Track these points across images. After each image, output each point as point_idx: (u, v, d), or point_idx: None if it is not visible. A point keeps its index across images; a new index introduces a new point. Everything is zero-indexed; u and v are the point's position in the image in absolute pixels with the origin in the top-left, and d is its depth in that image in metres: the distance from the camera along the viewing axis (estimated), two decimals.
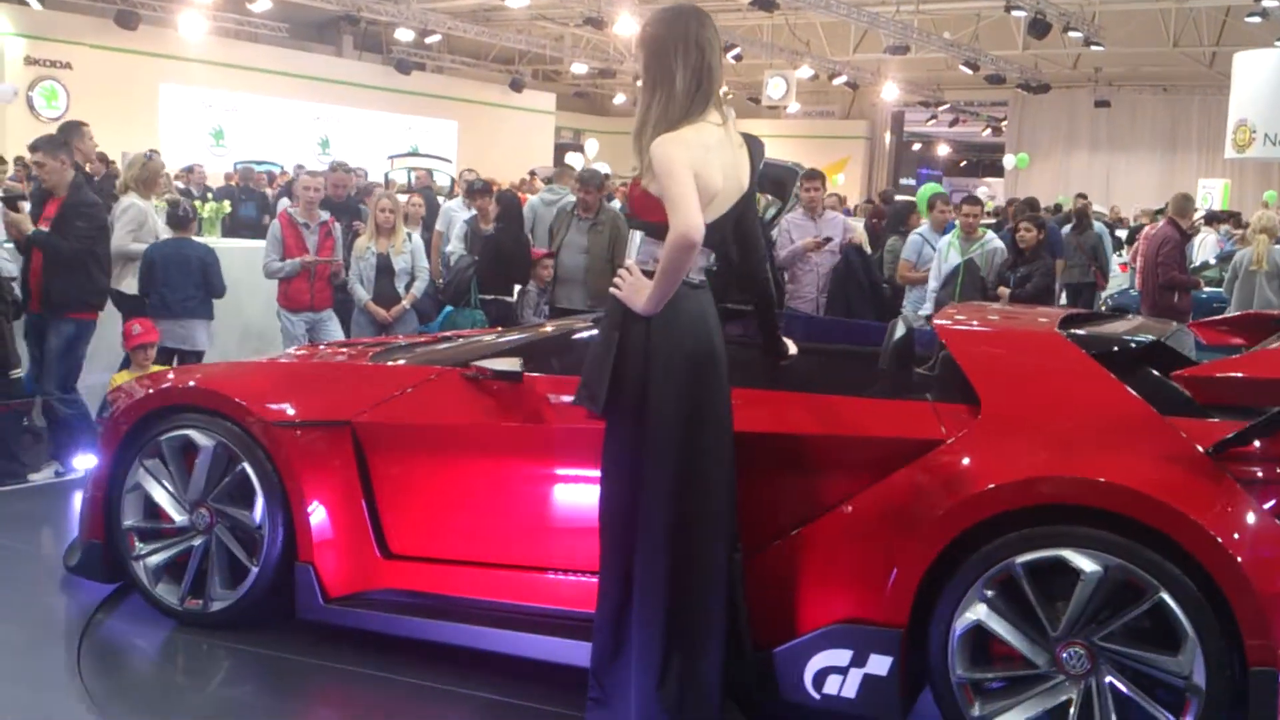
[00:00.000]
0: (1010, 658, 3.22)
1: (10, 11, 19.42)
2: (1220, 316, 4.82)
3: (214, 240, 8.58)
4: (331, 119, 24.32)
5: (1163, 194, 20.04)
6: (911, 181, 32.88)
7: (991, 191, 30.26)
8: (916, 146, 35.22)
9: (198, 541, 4.11)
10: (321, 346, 6.30)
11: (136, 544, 4.20)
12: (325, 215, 7.69)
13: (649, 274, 3.21)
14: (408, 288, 7.83)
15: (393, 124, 25.39)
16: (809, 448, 3.53)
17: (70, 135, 7.27)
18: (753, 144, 3.40)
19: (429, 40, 24.77)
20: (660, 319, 3.21)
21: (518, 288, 8.35)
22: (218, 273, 7.25)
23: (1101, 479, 3.13)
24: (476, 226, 8.64)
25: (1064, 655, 3.12)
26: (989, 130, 32.53)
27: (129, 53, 20.25)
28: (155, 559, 4.18)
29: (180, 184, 13.43)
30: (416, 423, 4.01)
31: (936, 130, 33.05)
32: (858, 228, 8.83)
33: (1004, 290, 7.99)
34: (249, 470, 4.01)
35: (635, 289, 3.22)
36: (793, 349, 3.86)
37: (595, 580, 3.49)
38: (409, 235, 7.99)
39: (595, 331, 4.24)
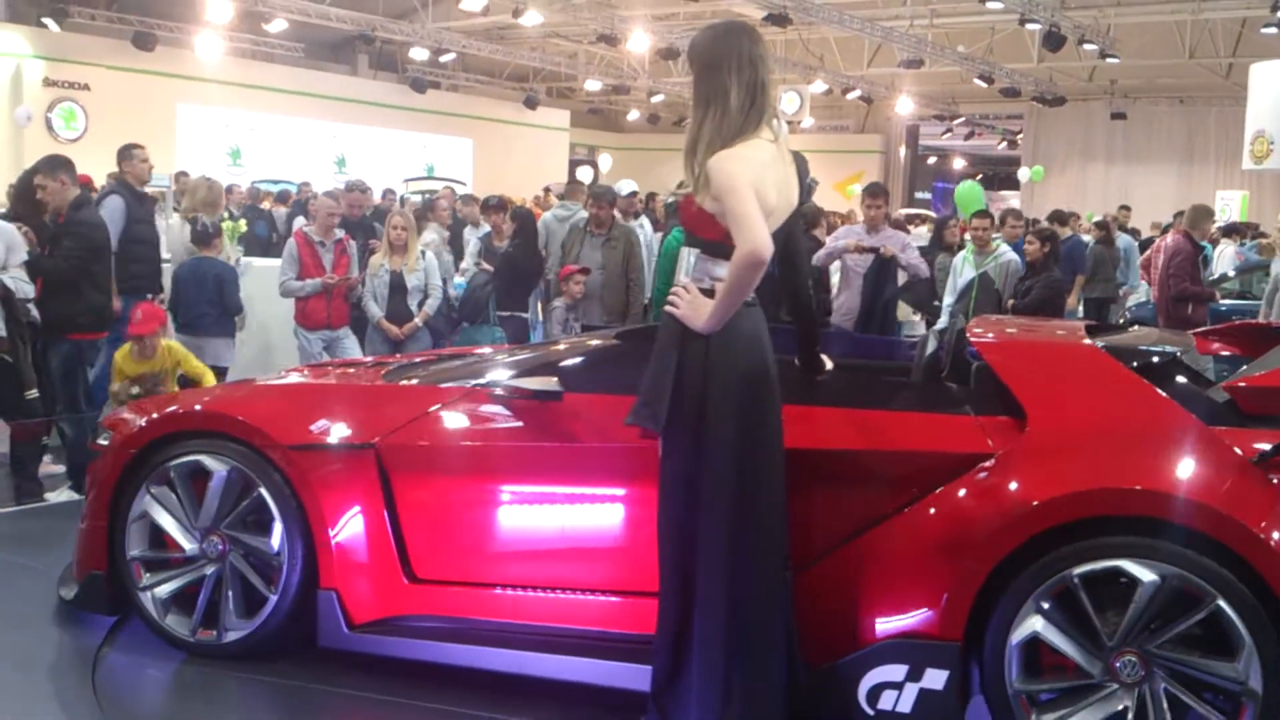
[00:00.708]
0: (1063, 668, 3.24)
1: (29, 34, 19.60)
2: (1215, 327, 4.88)
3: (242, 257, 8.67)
4: (347, 138, 24.43)
5: (1180, 206, 19.94)
6: (927, 195, 32.84)
7: (1008, 204, 30.23)
8: (932, 160, 35.15)
9: (209, 570, 4.00)
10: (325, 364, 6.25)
11: (143, 575, 4.07)
12: (340, 233, 7.73)
13: (705, 292, 3.23)
14: (420, 305, 7.84)
15: (408, 142, 25.50)
16: (854, 463, 3.55)
17: (122, 158, 7.66)
18: (798, 160, 3.42)
19: (443, 59, 24.89)
20: (718, 337, 3.22)
21: (541, 303, 8.36)
22: (234, 290, 7.34)
23: (1158, 490, 3.20)
24: (490, 243, 8.65)
25: (1118, 664, 3.16)
26: (1004, 143, 32.43)
27: (146, 74, 20.40)
28: (163, 589, 4.05)
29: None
30: (445, 444, 3.94)
31: (952, 144, 32.98)
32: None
33: (1011, 303, 7.96)
34: (266, 496, 3.90)
35: (694, 307, 3.23)
36: (828, 364, 3.88)
37: (635, 600, 3.57)
38: (422, 253, 8.01)
39: (612, 346, 4.28)
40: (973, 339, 3.81)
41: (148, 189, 8.06)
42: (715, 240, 3.24)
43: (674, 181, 11.29)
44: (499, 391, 3.91)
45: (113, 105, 19.64)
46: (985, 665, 3.28)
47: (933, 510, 3.37)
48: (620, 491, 3.75)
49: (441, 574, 3.89)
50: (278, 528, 3.89)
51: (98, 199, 7.49)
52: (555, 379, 3.87)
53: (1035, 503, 3.23)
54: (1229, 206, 21.62)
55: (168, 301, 7.37)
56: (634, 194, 8.43)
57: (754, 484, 3.23)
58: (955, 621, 3.26)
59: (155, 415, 4.19)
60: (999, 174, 35.88)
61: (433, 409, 3.98)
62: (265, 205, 15.95)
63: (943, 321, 7.84)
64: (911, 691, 3.31)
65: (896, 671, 3.32)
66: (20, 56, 19.34)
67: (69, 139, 18.75)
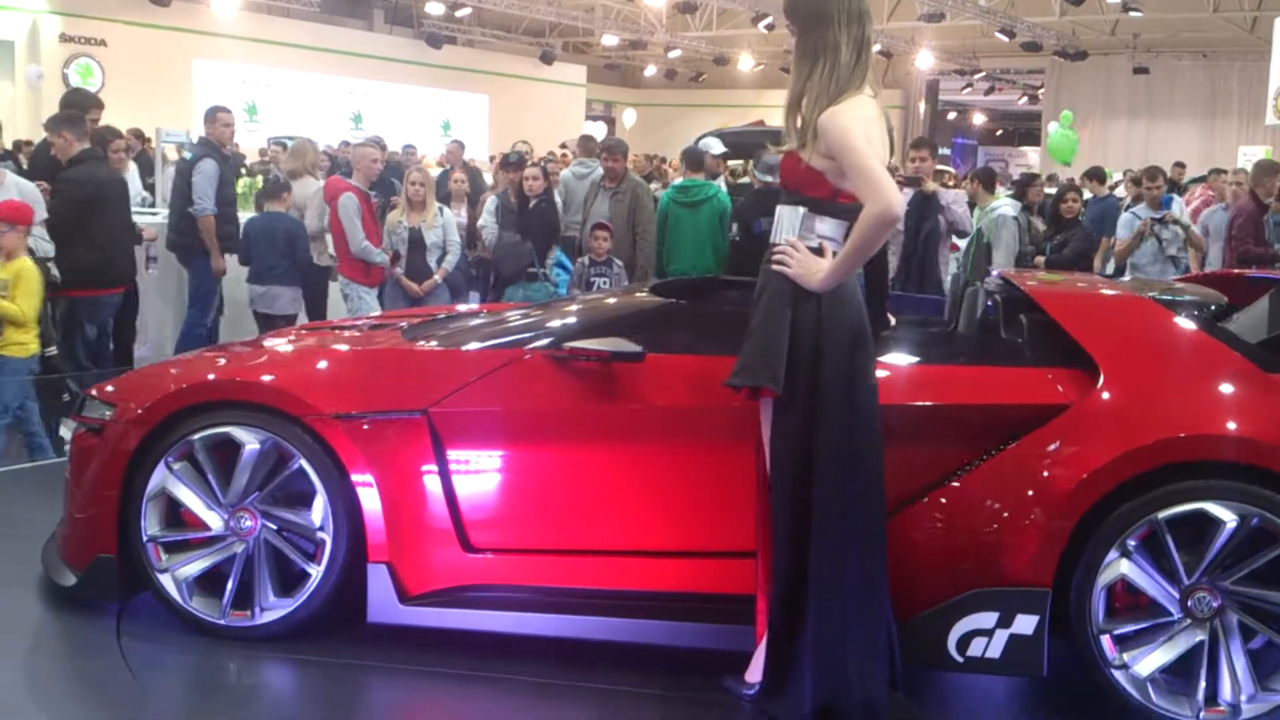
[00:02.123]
0: (1138, 606, 3.43)
1: None
2: (1192, 274, 4.97)
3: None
4: (363, 94, 24.37)
5: (1203, 162, 19.76)
6: (946, 151, 32.57)
7: (1028, 161, 30.00)
8: (952, 115, 34.86)
9: (239, 549, 3.79)
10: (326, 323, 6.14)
11: (162, 556, 3.83)
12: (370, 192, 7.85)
13: (814, 251, 3.24)
14: (439, 262, 7.86)
15: (424, 98, 25.42)
16: (937, 418, 3.59)
17: (207, 120, 7.98)
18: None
19: (459, 14, 24.72)
20: (829, 296, 3.23)
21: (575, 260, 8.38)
22: (304, 244, 7.77)
23: (1236, 435, 3.38)
24: (508, 201, 8.63)
25: (1191, 601, 3.35)
26: (1025, 98, 32.13)
27: (163, 29, 20.36)
28: (187, 571, 3.82)
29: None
30: (509, 409, 3.79)
31: (972, 99, 32.69)
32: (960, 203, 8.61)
33: (1040, 259, 7.96)
34: (307, 467, 3.72)
35: (806, 266, 3.23)
36: (891, 320, 3.88)
37: (708, 560, 3.62)
38: (440, 209, 8.01)
39: (668, 304, 4.17)
40: (1033, 294, 3.89)
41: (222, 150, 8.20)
42: (822, 198, 3.25)
43: (692, 138, 11.22)
44: (566, 354, 3.75)
45: (129, 61, 19.63)
46: (1072, 608, 3.39)
47: (1021, 461, 3.46)
48: (703, 452, 3.69)
49: (502, 542, 3.78)
50: (320, 501, 3.72)
51: (191, 162, 7.78)
52: (618, 340, 3.74)
53: (1124, 451, 3.36)
54: (1251, 163, 21.35)
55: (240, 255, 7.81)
56: (725, 155, 8.35)
57: (863, 444, 3.25)
58: (1046, 567, 3.38)
59: (176, 386, 3.92)
60: (1020, 129, 35.59)
61: (488, 373, 3.82)
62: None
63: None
64: (1001, 638, 3.41)
65: (987, 619, 3.42)
66: (36, 12, 19.31)
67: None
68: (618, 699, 3.57)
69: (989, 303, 4.18)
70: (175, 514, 3.87)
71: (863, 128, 3.17)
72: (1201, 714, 3.36)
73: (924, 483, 3.54)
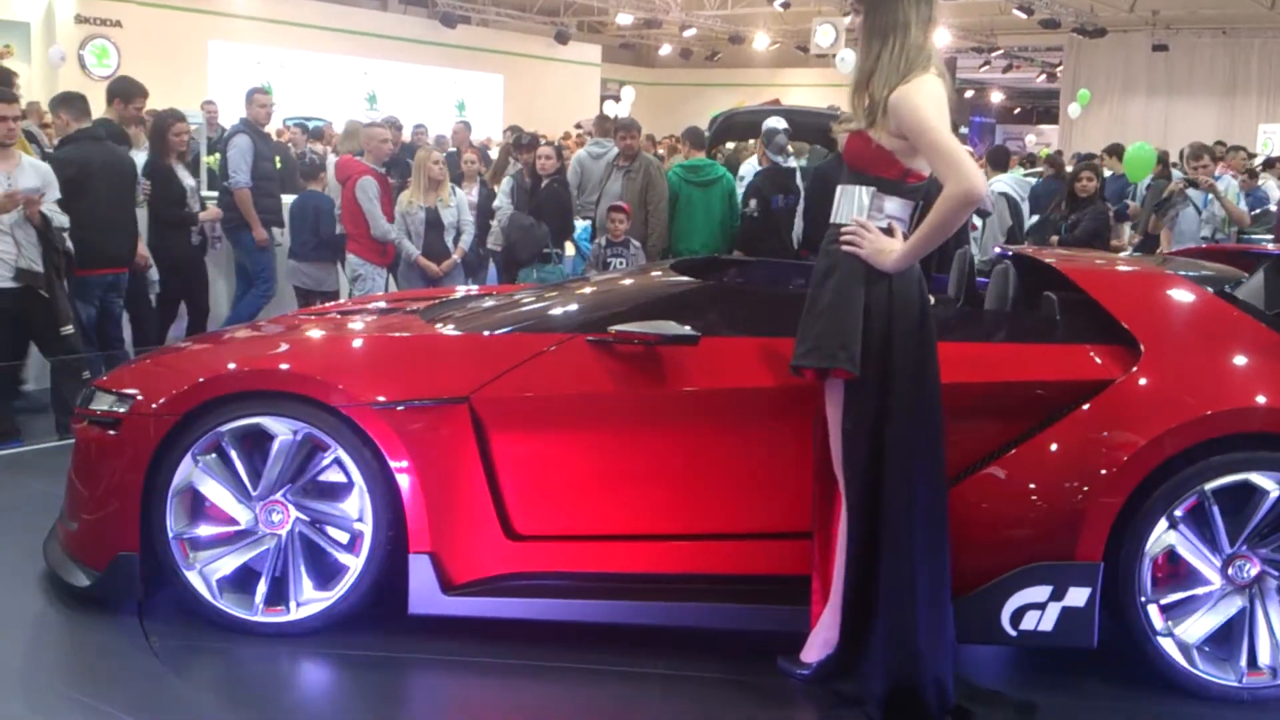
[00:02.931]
0: (1178, 575, 3.56)
1: None
2: (1184, 248, 5.10)
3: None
4: (378, 74, 24.33)
5: (1222, 140, 19.57)
6: (964, 130, 32.37)
7: (1046, 139, 29.81)
8: (969, 93, 34.61)
9: (271, 543, 3.73)
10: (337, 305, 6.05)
11: (190, 553, 3.75)
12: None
13: (883, 231, 3.25)
14: (455, 241, 7.87)
15: (439, 78, 25.38)
16: (987, 395, 3.62)
17: (247, 101, 8.45)
18: None
19: None
20: (899, 276, 3.26)
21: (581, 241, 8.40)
22: (329, 220, 8.00)
23: (1275, 406, 3.47)
24: (522, 181, 8.62)
25: (1231, 570, 3.50)
26: (1044, 76, 31.87)
27: (178, 10, 20.37)
28: (217, 567, 3.74)
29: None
30: (550, 394, 3.72)
31: (990, 77, 32.45)
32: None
33: (1054, 239, 7.92)
34: (344, 457, 3.65)
35: (879, 246, 3.24)
36: (931, 300, 3.92)
37: (763, 542, 3.65)
38: (454, 189, 8.02)
39: (706, 286, 4.16)
40: (1068, 271, 3.94)
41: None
42: (892, 178, 3.27)
43: (706, 117, 11.16)
44: (613, 337, 3.71)
45: (145, 42, 19.62)
46: (1120, 579, 3.48)
47: (1071, 437, 3.53)
48: (754, 434, 3.69)
49: (545, 529, 3.74)
50: (358, 491, 3.66)
51: (225, 137, 8.20)
52: (654, 322, 3.72)
53: (1173, 426, 3.45)
54: (1271, 140, 21.24)
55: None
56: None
57: (930, 424, 3.28)
58: (1097, 541, 3.45)
59: (203, 377, 3.78)
60: (1038, 108, 35.34)
61: (531, 358, 3.76)
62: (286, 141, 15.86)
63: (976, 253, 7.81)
64: (1054, 611, 3.48)
65: (1040, 593, 3.48)
66: None
67: (101, 76, 18.75)
68: (669, 683, 3.59)
69: (1015, 280, 4.22)
70: (199, 509, 3.79)
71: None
72: (1244, 678, 3.50)
73: (976, 460, 3.60)
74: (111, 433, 3.81)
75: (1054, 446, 3.52)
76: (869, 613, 3.30)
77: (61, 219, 6.15)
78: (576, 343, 3.77)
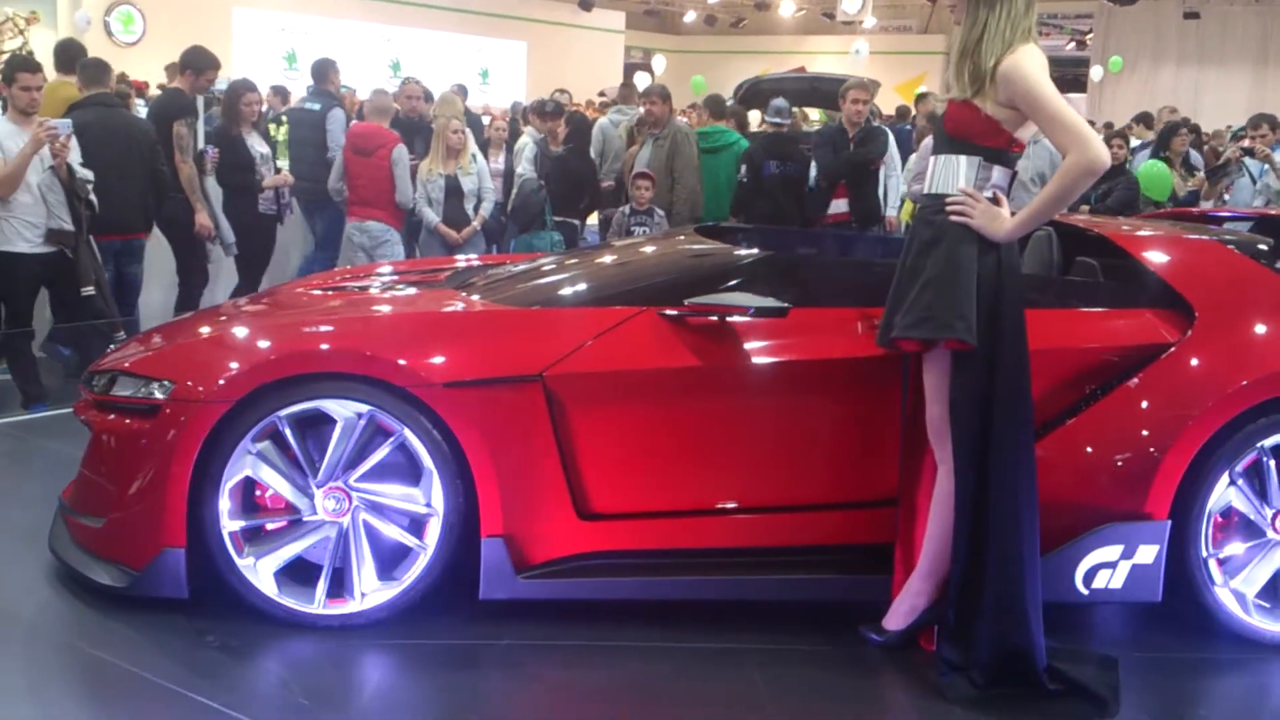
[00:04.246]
0: (1228, 528, 3.73)
1: None
2: (1155, 211, 5.22)
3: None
4: (402, 41, 24.25)
5: (1254, 109, 19.33)
6: None
7: (1075, 108, 29.39)
8: None
9: (332, 532, 3.58)
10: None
11: (244, 546, 3.58)
12: None
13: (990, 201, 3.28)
14: (475, 209, 7.87)
15: (462, 45, 25.27)
16: (1056, 361, 3.67)
17: (327, 69, 8.82)
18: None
19: None
20: (1007, 246, 3.29)
21: (606, 211, 8.39)
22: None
23: None
24: (546, 148, 8.61)
25: (1278, 521, 3.71)
26: (1073, 44, 31.48)
27: None
28: (273, 559, 3.58)
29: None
30: (625, 369, 3.64)
31: None
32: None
33: (1085, 208, 7.86)
34: (412, 439, 3.52)
35: (991, 216, 3.26)
36: None
37: (847, 512, 3.69)
38: (474, 156, 8.02)
39: (769, 257, 4.12)
40: (1117, 238, 4.03)
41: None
42: (998, 147, 3.29)
43: (730, 85, 11.11)
44: (690, 309, 3.65)
45: (170, 9, 19.58)
46: (1184, 536, 3.63)
47: (1139, 400, 3.64)
48: (837, 404, 3.71)
49: (618, 507, 3.68)
50: (429, 474, 3.55)
51: (321, 112, 8.40)
52: (739, 294, 3.70)
53: (1235, 386, 3.60)
54: None
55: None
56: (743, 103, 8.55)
57: (1028, 393, 3.33)
58: (1165, 499, 3.60)
59: (261, 359, 3.58)
60: (1066, 75, 34.91)
61: (604, 332, 3.68)
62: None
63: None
64: (1125, 568, 3.62)
65: (1113, 552, 3.61)
66: None
67: (127, 43, 18.79)
68: (745, 657, 3.58)
69: (1059, 246, 4.31)
70: (249, 499, 3.63)
71: (1047, 78, 3.18)
72: None
73: (1050, 425, 3.64)
74: (145, 422, 3.58)
75: (1123, 409, 3.64)
76: (979, 578, 3.33)
77: (85, 172, 6.18)
78: (648, 316, 3.72)
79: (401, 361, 3.53)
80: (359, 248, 7.79)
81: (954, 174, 3.33)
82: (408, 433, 3.53)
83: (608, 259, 4.62)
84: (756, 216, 7.87)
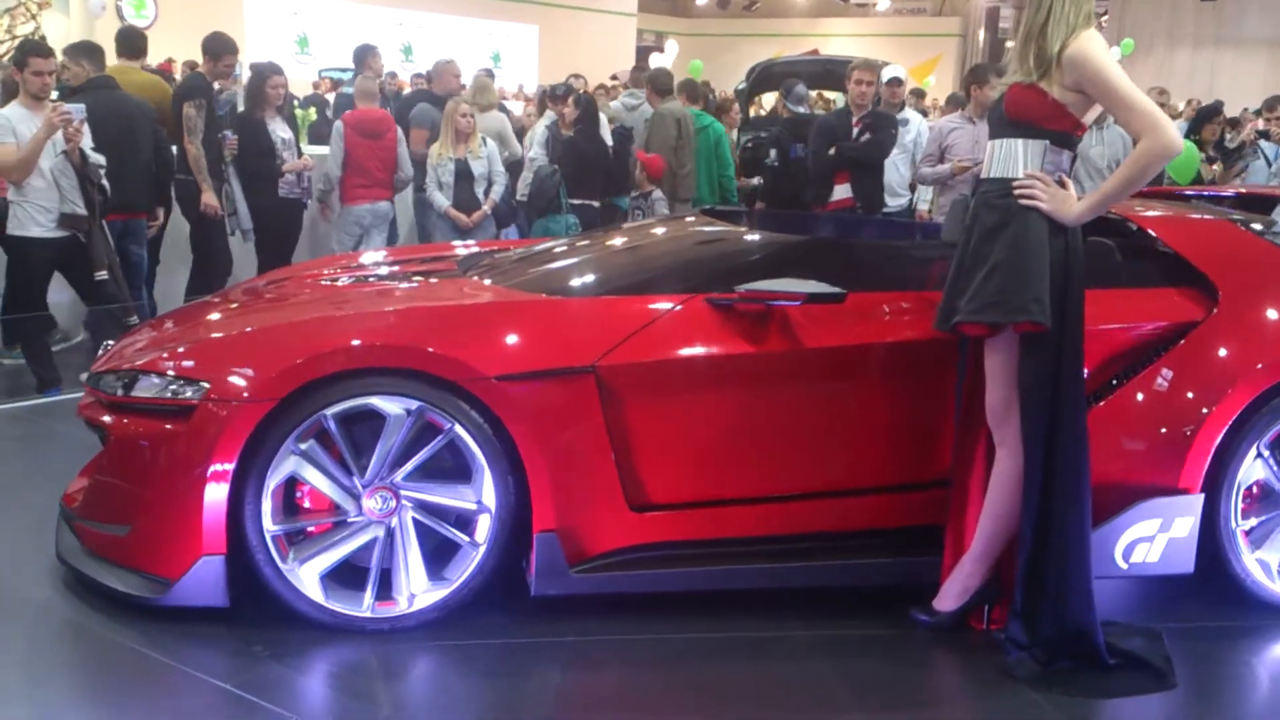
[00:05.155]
0: (1251, 499, 3.84)
1: None
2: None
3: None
4: (413, 25, 24.24)
5: (1270, 92, 19.19)
6: None
7: None
8: (1011, 44, 34.10)
9: (380, 532, 3.47)
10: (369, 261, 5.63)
11: (289, 550, 3.45)
12: None
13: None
14: (486, 193, 7.88)
15: (474, 29, 25.24)
16: (1095, 340, 3.66)
17: (366, 55, 9.09)
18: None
19: None
20: (1074, 230, 3.33)
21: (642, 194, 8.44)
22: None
23: None
24: (557, 132, 8.59)
25: None
26: None
27: None
28: (319, 563, 3.45)
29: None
30: (677, 357, 3.60)
31: None
32: None
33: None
34: (462, 435, 3.43)
35: (1060, 199, 3.30)
36: None
37: (891, 494, 3.72)
38: (484, 140, 8.03)
39: (802, 240, 4.18)
40: (1135, 219, 4.04)
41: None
42: (1064, 131, 3.33)
43: (742, 68, 11.07)
44: (743, 296, 3.62)
45: None
46: (1215, 509, 3.73)
47: (1173, 377, 3.71)
48: (899, 387, 3.73)
49: (671, 497, 3.65)
50: (480, 470, 3.46)
51: (406, 100, 8.68)
52: (780, 279, 3.66)
53: (1264, 361, 3.69)
54: None
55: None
56: (896, 80, 8.42)
57: (1082, 373, 3.39)
58: (1198, 473, 3.68)
59: (305, 356, 3.41)
60: None
61: (653, 321, 3.64)
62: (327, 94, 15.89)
63: None
64: (1161, 542, 3.69)
65: (1151, 526, 3.68)
66: None
67: (140, 26, 18.79)
68: (797, 645, 3.59)
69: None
70: (290, 501, 3.51)
71: (1112, 60, 3.22)
72: None
73: (1091, 404, 3.67)
74: (177, 424, 3.42)
75: (1158, 387, 3.70)
76: (1044, 557, 3.38)
77: (97, 157, 6.20)
78: (696, 303, 3.70)
79: (451, 355, 3.44)
80: (367, 229, 7.85)
81: (1014, 157, 3.35)
82: (458, 428, 3.44)
83: (638, 245, 4.57)
84: (784, 201, 7.88)
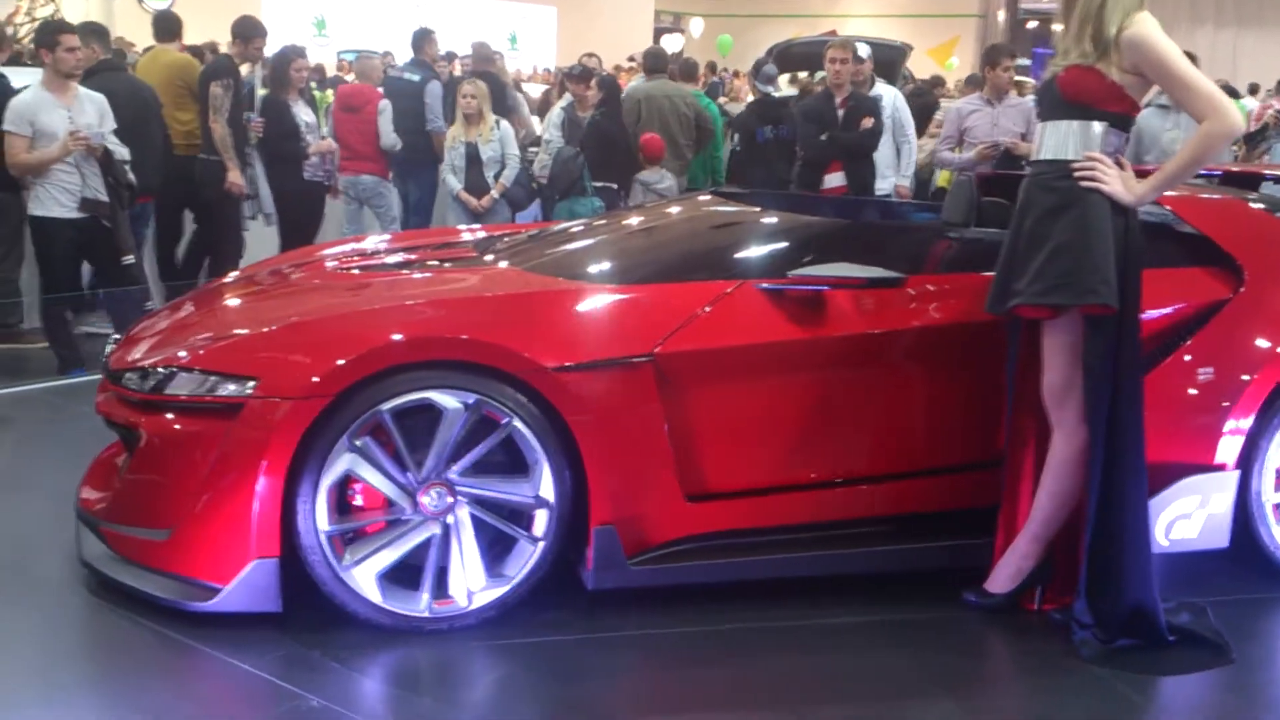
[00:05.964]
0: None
1: None
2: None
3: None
4: (431, 6, 24.14)
5: None
6: (1026, 62, 31.63)
7: None
8: (1032, 25, 33.79)
9: (437, 529, 3.39)
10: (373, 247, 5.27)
11: (345, 550, 3.35)
12: None
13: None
14: (497, 176, 7.88)
15: (491, 10, 25.19)
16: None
17: (423, 40, 9.09)
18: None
19: None
20: (1134, 212, 3.35)
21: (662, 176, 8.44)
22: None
23: None
24: (574, 114, 8.58)
25: None
26: None
27: None
28: (375, 563, 3.35)
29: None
30: (734, 344, 3.57)
31: (1053, 6, 31.57)
32: None
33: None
34: (521, 429, 3.35)
35: (1121, 181, 3.31)
36: None
37: (966, 475, 3.76)
38: (496, 123, 8.02)
39: (846, 225, 4.29)
40: (1160, 200, 3.96)
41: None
42: (1122, 112, 3.35)
43: (761, 49, 11.02)
44: (797, 281, 3.62)
45: None
46: (1251, 485, 3.81)
47: (1208, 354, 3.76)
48: (950, 369, 3.76)
49: (727, 486, 3.63)
50: (538, 464, 3.39)
51: (420, 84, 8.61)
52: (841, 264, 3.67)
53: None
54: None
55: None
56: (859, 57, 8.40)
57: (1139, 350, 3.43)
58: (1235, 450, 3.77)
59: (358, 350, 3.29)
60: None
61: (706, 308, 3.59)
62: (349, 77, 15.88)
63: None
64: (1200, 518, 3.76)
65: (1191, 503, 3.75)
66: None
67: (156, 8, 18.80)
68: (856, 631, 3.59)
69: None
70: (342, 500, 3.41)
71: (1171, 43, 3.26)
72: None
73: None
74: (222, 422, 3.28)
75: (1195, 365, 3.75)
76: (1108, 536, 3.40)
77: (122, 151, 6.24)
78: (746, 289, 3.67)
79: (510, 346, 3.36)
80: (353, 200, 8.14)
81: (1068, 139, 3.35)
82: (517, 422, 3.36)
83: (671, 229, 4.56)
84: (752, 183, 7.79)
